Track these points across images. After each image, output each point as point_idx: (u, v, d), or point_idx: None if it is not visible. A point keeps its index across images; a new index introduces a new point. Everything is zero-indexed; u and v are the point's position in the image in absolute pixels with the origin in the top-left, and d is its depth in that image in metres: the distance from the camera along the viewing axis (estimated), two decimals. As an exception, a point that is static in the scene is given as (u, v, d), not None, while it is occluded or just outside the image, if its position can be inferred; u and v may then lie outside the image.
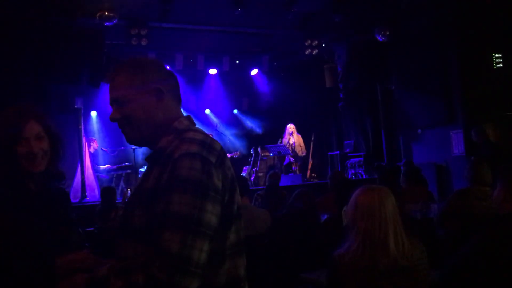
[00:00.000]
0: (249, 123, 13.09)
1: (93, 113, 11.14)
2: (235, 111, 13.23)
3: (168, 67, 10.79)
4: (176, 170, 1.36)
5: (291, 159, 10.53)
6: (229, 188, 1.45)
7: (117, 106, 1.56)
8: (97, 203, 7.39)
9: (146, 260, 1.29)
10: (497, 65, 8.30)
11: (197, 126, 1.63)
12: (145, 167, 1.64)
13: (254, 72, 12.16)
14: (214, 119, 12.58)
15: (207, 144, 1.43)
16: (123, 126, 1.57)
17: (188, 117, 1.60)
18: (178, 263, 1.26)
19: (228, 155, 10.41)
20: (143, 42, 8.66)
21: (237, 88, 12.75)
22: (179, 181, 1.35)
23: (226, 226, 1.44)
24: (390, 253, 2.18)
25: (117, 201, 6.32)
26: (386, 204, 2.26)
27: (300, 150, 10.49)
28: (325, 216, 4.60)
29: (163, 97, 1.55)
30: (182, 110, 1.66)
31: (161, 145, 1.50)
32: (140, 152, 9.63)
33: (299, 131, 10.63)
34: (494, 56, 8.31)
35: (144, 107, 1.54)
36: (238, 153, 10.85)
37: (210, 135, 1.57)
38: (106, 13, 7.71)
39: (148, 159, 1.55)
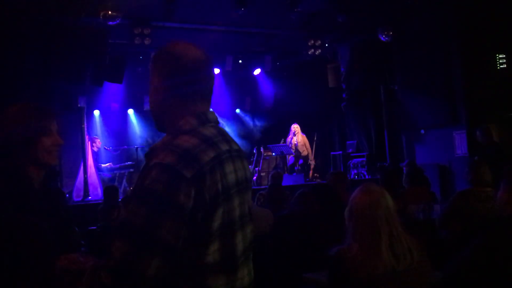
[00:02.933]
0: (251, 122, 13.09)
1: (96, 112, 11.17)
2: (238, 110, 13.24)
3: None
4: (144, 180, 1.34)
5: (294, 159, 10.55)
6: (206, 206, 1.35)
7: None
8: (99, 202, 7.40)
9: (102, 262, 1.33)
10: (501, 66, 8.28)
11: (216, 123, 1.57)
12: None
13: (257, 71, 12.15)
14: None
15: (190, 154, 1.36)
16: None
17: (200, 115, 1.51)
18: (121, 272, 1.28)
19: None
20: (146, 42, 8.66)
21: (239, 87, 12.75)
22: (142, 191, 1.33)
23: (202, 245, 1.38)
24: (384, 260, 2.14)
25: (119, 200, 6.32)
26: (378, 208, 2.20)
27: (305, 150, 10.50)
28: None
29: (159, 93, 1.53)
30: (203, 106, 1.56)
31: (156, 144, 1.49)
32: (143, 151, 9.64)
33: (301, 131, 10.63)
34: (498, 57, 8.29)
35: (151, 96, 1.57)
36: None
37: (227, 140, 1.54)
38: (110, 12, 7.72)
39: (145, 156, 1.53)
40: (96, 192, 8.85)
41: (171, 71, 1.52)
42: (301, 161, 10.61)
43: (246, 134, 12.78)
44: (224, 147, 1.47)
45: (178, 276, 1.36)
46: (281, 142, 10.66)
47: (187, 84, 1.53)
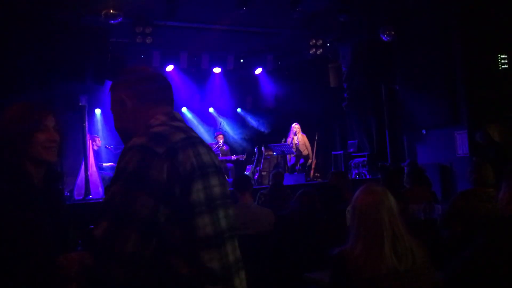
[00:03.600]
0: (252, 122, 13.09)
1: (97, 111, 11.18)
2: (239, 110, 13.24)
3: (172, 66, 10.83)
4: (119, 163, 1.45)
5: (295, 158, 10.54)
6: (181, 180, 1.42)
7: None
8: (100, 200, 7.41)
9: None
10: (503, 66, 8.27)
11: (181, 122, 1.66)
12: None
13: (258, 71, 12.15)
14: (218, 118, 12.59)
15: (161, 135, 1.46)
16: None
17: (168, 113, 1.63)
18: (102, 249, 1.35)
19: (234, 157, 10.46)
20: (148, 41, 8.67)
21: (241, 87, 12.75)
22: (117, 172, 1.43)
23: (186, 219, 1.43)
24: (386, 261, 2.14)
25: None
26: (381, 208, 2.20)
27: (306, 149, 10.49)
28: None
29: (125, 105, 1.63)
30: (167, 109, 1.68)
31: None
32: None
33: (303, 130, 10.62)
34: (500, 57, 8.28)
35: (115, 116, 1.68)
36: (245, 156, 10.85)
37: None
38: (111, 11, 7.72)
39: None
40: (97, 190, 8.85)
41: (139, 81, 1.66)
42: (302, 161, 10.61)
43: (247, 134, 12.79)
44: (194, 134, 1.58)
45: (173, 253, 1.40)
46: (282, 142, 10.65)
47: (155, 90, 1.66)
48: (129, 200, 1.35)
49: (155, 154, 1.40)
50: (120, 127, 1.68)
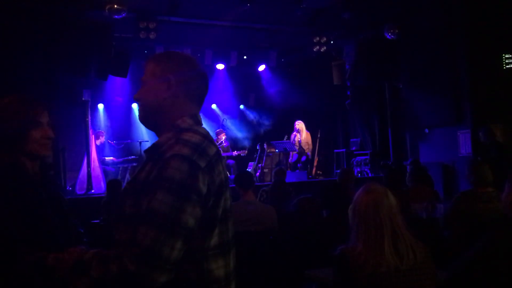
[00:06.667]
0: (255, 119, 13.08)
1: (100, 106, 11.19)
2: (242, 106, 13.23)
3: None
4: (164, 170, 1.43)
5: (297, 155, 10.54)
6: (214, 194, 1.50)
7: (140, 87, 1.71)
8: (103, 195, 7.43)
9: (122, 250, 1.39)
10: (507, 66, 8.24)
11: (203, 125, 1.68)
12: None
13: (261, 68, 12.13)
14: (220, 114, 12.59)
15: (201, 148, 1.49)
16: (138, 104, 1.71)
17: (193, 116, 1.64)
18: (148, 257, 1.35)
19: (235, 153, 10.46)
20: (152, 36, 8.66)
21: (244, 83, 12.74)
22: (165, 180, 1.42)
23: (209, 229, 1.51)
24: (387, 259, 2.16)
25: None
26: (381, 207, 2.22)
27: (308, 147, 10.48)
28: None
29: (170, 88, 1.62)
30: (197, 108, 1.70)
31: (160, 140, 1.58)
32: (146, 145, 9.65)
33: (305, 127, 10.61)
34: (504, 56, 8.25)
35: (152, 93, 1.64)
36: (246, 151, 10.84)
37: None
38: (115, 6, 7.71)
39: (146, 152, 1.63)
40: (99, 185, 8.88)
41: (184, 68, 1.66)
42: (304, 158, 10.60)
43: (249, 130, 12.79)
44: (216, 145, 1.61)
45: (186, 259, 1.44)
46: (285, 139, 10.64)
47: (200, 88, 1.69)
48: (178, 209, 1.39)
49: (199, 167, 1.45)
50: (148, 104, 1.65)
